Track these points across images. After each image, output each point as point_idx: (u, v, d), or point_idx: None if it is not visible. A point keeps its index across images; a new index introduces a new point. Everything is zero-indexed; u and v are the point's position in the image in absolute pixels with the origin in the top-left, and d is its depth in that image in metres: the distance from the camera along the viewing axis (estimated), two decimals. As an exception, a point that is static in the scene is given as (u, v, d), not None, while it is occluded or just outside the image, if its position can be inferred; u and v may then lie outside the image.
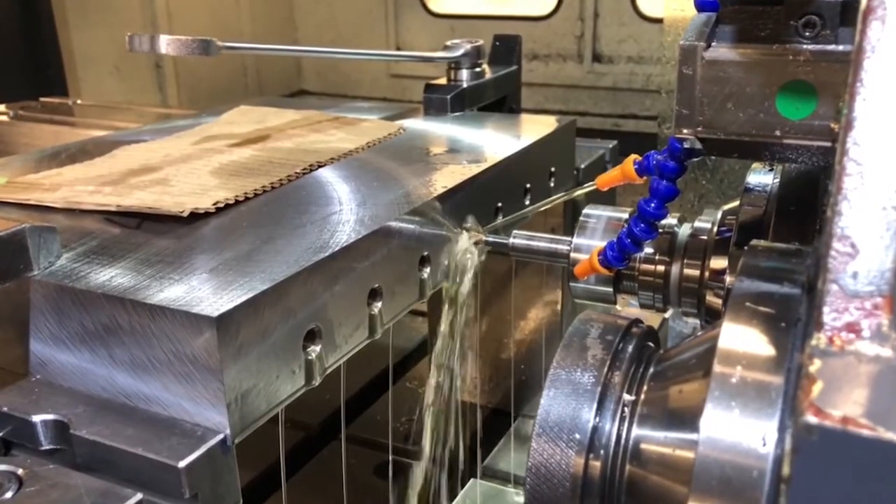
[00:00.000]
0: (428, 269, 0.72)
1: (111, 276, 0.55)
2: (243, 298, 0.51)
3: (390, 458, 1.00)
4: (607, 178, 0.69)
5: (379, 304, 0.65)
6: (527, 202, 0.90)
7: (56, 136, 1.36)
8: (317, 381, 0.58)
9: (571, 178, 1.02)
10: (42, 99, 1.60)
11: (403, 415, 1.16)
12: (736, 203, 0.71)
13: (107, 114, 1.52)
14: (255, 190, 0.71)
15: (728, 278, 0.66)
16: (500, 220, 0.85)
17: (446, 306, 0.84)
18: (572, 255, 0.78)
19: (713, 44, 0.50)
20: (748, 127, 0.49)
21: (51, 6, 3.87)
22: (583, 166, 1.05)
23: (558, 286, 1.09)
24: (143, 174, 0.76)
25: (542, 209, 0.88)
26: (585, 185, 0.79)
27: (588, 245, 0.77)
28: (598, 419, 0.47)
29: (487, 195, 0.83)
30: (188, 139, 0.89)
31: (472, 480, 1.05)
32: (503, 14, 4.71)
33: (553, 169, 0.95)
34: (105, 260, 0.58)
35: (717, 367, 0.39)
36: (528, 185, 0.90)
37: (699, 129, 0.51)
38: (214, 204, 0.67)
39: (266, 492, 0.96)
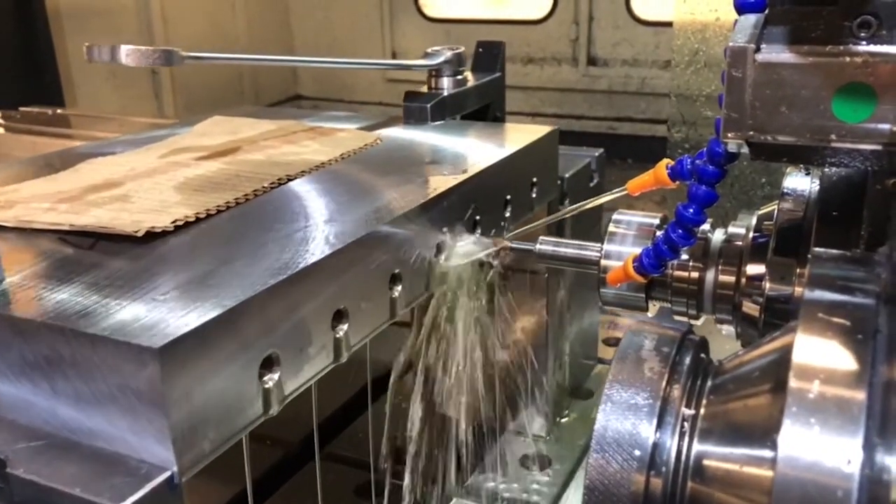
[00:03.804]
0: (399, 288, 0.69)
1: (55, 303, 0.52)
2: (191, 327, 0.48)
3: (372, 477, 0.97)
4: (638, 183, 0.68)
5: (345, 327, 0.62)
6: (507, 214, 0.87)
7: (34, 147, 1.33)
8: (275, 411, 0.55)
9: (555, 189, 0.99)
10: (21, 108, 1.57)
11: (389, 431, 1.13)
12: (771, 208, 0.69)
13: (87, 123, 1.50)
14: (219, 206, 0.69)
15: (767, 285, 0.65)
16: (502, 222, 0.82)
17: (430, 316, 0.82)
18: (602, 262, 0.77)
19: (763, 46, 0.48)
20: (802, 130, 0.48)
21: (46, 13, 3.85)
22: (567, 175, 1.02)
23: (543, 298, 1.06)
24: (103, 190, 0.73)
25: (569, 216, 0.88)
26: (615, 190, 0.77)
27: (619, 252, 0.76)
28: (658, 434, 0.46)
29: (464, 208, 0.80)
30: (157, 152, 0.87)
31: (454, 500, 1.02)
32: (498, 18, 4.69)
33: (535, 179, 0.92)
34: (52, 284, 0.55)
35: (794, 382, 0.38)
36: (508, 197, 0.87)
37: (750, 133, 0.50)
38: (173, 222, 0.64)
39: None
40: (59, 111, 1.53)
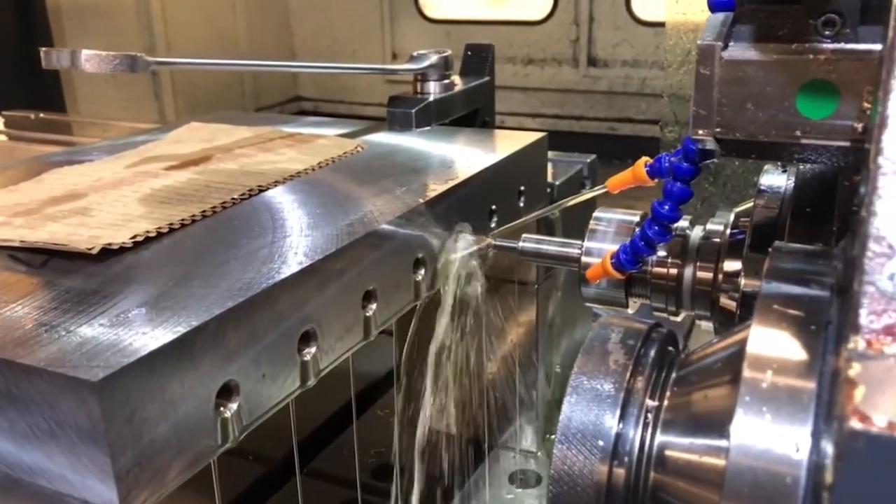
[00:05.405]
0: (374, 306, 0.66)
1: (-5, 328, 0.48)
2: (137, 356, 0.45)
3: (359, 495, 0.94)
4: (618, 181, 0.69)
5: (313, 350, 0.58)
6: (492, 225, 0.84)
7: (11, 153, 1.30)
8: (234, 442, 0.52)
9: (545, 198, 0.96)
10: (4, 112, 1.54)
11: (373, 447, 1.09)
12: (748, 205, 0.70)
13: (70, 128, 1.46)
14: (183, 220, 0.65)
15: (742, 281, 0.66)
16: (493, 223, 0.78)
17: (416, 327, 0.79)
18: (583, 258, 0.77)
19: (731, 44, 0.49)
20: (768, 127, 0.49)
21: (46, 13, 3.82)
22: (558, 183, 0.98)
23: (533, 309, 1.02)
24: (64, 202, 0.69)
25: (561, 219, 0.90)
26: (596, 188, 0.77)
27: (599, 249, 0.76)
28: (621, 425, 0.47)
29: (446, 220, 0.76)
30: (127, 160, 0.83)
31: (441, 520, 0.98)
32: (498, 19, 4.66)
33: (522, 188, 0.89)
34: (-5, 307, 0.51)
35: (747, 372, 0.39)
36: (494, 207, 0.84)
37: (717, 129, 0.50)
38: (132, 238, 0.60)
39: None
40: (41, 115, 1.49)
